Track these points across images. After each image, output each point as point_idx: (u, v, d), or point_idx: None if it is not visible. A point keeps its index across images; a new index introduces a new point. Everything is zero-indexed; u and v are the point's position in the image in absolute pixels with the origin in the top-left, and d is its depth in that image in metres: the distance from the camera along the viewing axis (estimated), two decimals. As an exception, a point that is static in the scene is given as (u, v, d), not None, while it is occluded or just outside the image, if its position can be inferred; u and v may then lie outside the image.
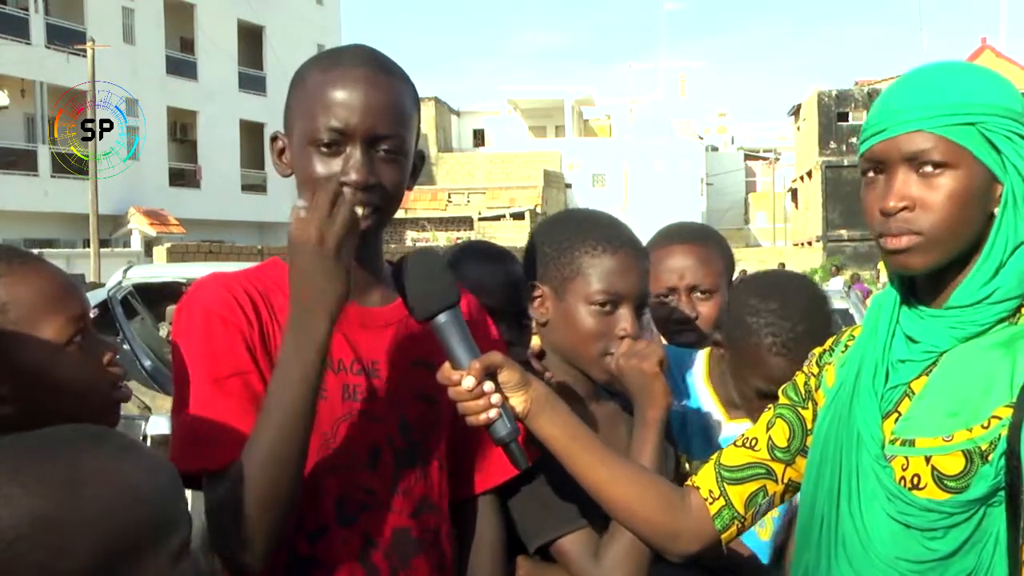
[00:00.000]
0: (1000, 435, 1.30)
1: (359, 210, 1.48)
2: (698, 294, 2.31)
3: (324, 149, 1.49)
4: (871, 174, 1.41)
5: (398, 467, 1.56)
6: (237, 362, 1.45)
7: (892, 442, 1.38)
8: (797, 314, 1.92)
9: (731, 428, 2.01)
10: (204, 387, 1.44)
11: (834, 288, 14.38)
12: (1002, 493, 1.30)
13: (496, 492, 1.71)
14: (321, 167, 1.50)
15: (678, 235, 2.41)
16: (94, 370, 1.42)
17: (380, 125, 1.49)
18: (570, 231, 1.84)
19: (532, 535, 1.73)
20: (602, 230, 1.82)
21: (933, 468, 1.33)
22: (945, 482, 1.32)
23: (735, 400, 2.03)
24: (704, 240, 2.40)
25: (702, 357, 2.13)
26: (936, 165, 1.34)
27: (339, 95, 1.48)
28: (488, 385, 1.44)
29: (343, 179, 1.48)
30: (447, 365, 1.47)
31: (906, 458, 1.36)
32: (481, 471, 1.70)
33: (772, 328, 1.92)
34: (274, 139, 1.60)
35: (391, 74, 1.53)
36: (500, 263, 2.12)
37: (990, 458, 1.30)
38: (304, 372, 1.37)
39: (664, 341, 2.31)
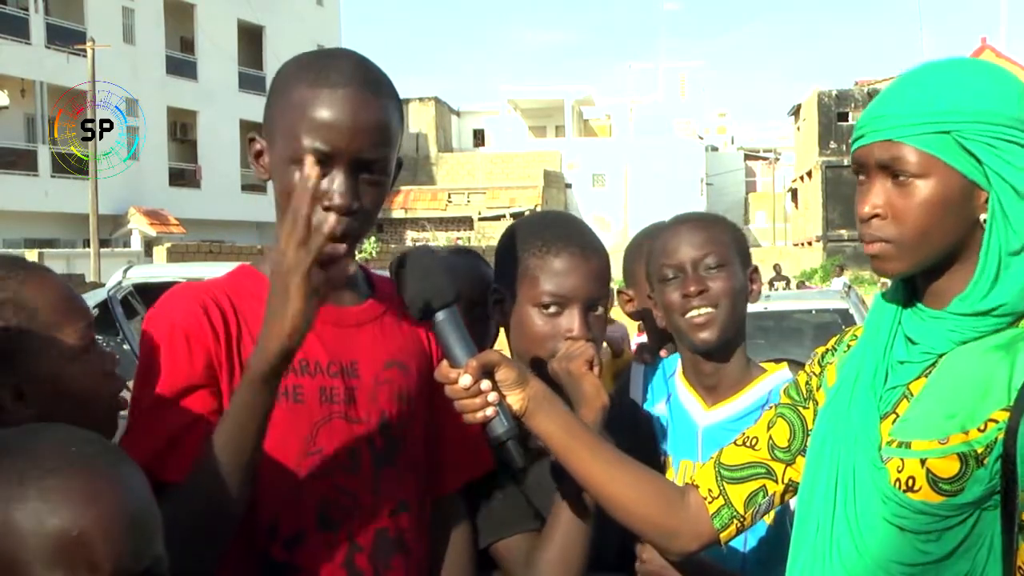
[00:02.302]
0: (996, 439, 1.29)
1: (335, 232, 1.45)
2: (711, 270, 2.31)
3: None
4: (860, 176, 1.41)
5: (377, 468, 1.55)
6: (196, 378, 1.43)
7: (888, 444, 1.38)
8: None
9: (710, 416, 2.02)
10: (160, 400, 1.42)
11: (835, 288, 14.40)
12: (997, 497, 1.30)
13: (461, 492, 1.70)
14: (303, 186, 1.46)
15: (691, 216, 2.43)
16: (99, 380, 1.42)
17: (367, 149, 1.44)
18: (523, 234, 1.83)
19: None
20: (552, 231, 1.81)
21: (928, 471, 1.33)
22: (940, 485, 1.32)
23: (710, 387, 2.04)
24: (714, 221, 2.42)
25: (678, 358, 2.15)
26: (908, 174, 1.34)
27: (325, 116, 1.42)
28: (485, 383, 1.44)
29: (326, 203, 1.42)
30: (445, 363, 1.46)
31: (901, 460, 1.35)
32: (453, 469, 1.68)
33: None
34: (252, 140, 1.53)
35: (378, 91, 1.48)
36: (469, 256, 2.20)
37: (985, 462, 1.30)
38: (251, 396, 1.33)
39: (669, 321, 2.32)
